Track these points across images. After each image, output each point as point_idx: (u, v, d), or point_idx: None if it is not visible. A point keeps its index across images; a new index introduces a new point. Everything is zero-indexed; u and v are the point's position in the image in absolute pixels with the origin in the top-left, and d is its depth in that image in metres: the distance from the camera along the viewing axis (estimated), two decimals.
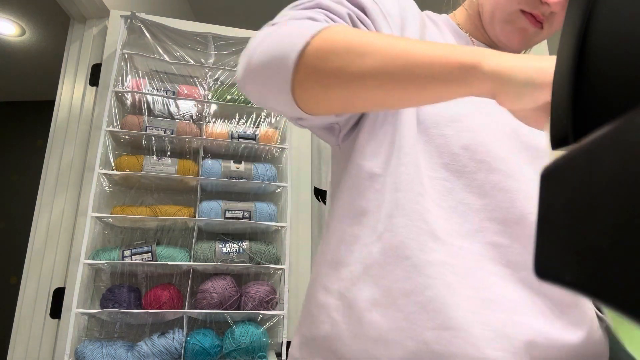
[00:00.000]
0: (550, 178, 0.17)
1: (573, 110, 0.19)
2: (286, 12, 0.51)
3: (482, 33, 0.64)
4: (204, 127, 1.55)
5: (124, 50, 1.53)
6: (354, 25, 0.51)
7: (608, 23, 0.19)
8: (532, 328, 0.46)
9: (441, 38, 0.61)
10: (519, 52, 0.62)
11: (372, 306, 0.47)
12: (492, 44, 0.64)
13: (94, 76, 1.65)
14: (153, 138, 1.48)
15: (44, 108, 3.35)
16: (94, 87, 1.65)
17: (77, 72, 1.68)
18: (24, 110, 3.56)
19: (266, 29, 0.46)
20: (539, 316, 0.47)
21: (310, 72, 0.40)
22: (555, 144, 0.21)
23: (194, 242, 1.42)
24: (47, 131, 1.63)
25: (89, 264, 1.34)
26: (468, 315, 0.45)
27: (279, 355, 1.40)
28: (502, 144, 0.51)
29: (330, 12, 0.49)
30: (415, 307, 0.45)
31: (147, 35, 1.60)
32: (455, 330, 0.44)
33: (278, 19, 0.49)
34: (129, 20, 1.58)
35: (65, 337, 1.27)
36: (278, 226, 1.50)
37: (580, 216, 0.14)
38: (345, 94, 0.41)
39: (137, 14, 1.58)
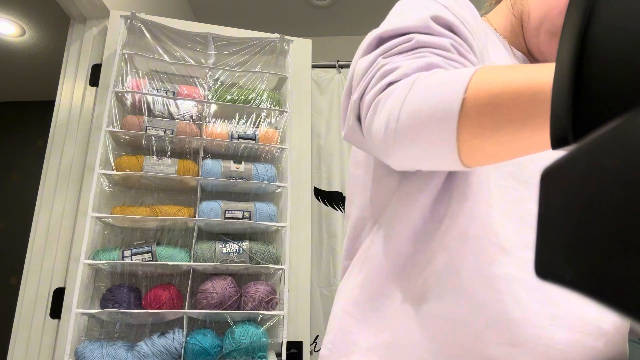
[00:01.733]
0: (550, 178, 0.17)
1: (573, 110, 0.19)
2: (390, 61, 0.44)
3: (521, 41, 0.62)
4: (204, 127, 1.55)
5: (124, 51, 1.53)
6: (460, 54, 0.46)
7: (608, 22, 0.19)
8: (596, 349, 0.45)
9: (500, 49, 0.58)
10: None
11: (433, 318, 0.47)
12: (527, 53, 0.62)
13: (94, 76, 1.66)
14: (153, 138, 1.48)
15: (44, 108, 3.35)
16: (94, 87, 1.65)
17: (77, 72, 1.68)
18: (24, 110, 3.56)
19: (396, 89, 0.40)
20: (604, 337, 0.46)
21: (475, 124, 0.35)
22: (555, 144, 0.21)
23: (194, 242, 1.42)
24: (47, 131, 1.63)
25: (89, 264, 1.34)
26: (535, 332, 0.44)
27: (278, 355, 1.40)
28: None
29: (436, 48, 0.44)
30: (482, 322, 0.45)
31: (147, 35, 1.60)
32: (522, 347, 0.43)
33: (387, 73, 0.43)
34: (129, 20, 1.59)
35: (65, 337, 1.27)
36: (278, 226, 1.50)
37: (581, 216, 0.14)
38: (514, 143, 0.35)
39: (137, 14, 1.58)
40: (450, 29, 0.47)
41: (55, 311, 1.42)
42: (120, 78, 1.52)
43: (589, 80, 0.19)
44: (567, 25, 0.20)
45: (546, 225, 0.17)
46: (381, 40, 0.47)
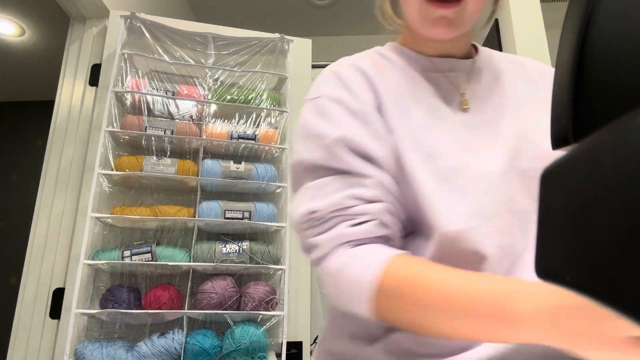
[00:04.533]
0: (550, 178, 0.17)
1: (573, 110, 0.19)
2: (309, 236, 0.54)
3: (417, 42, 0.64)
4: (204, 127, 1.55)
5: (124, 51, 1.53)
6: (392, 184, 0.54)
7: (608, 23, 0.19)
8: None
9: (400, 80, 0.61)
10: (453, 38, 0.61)
11: None
12: (443, 49, 0.64)
13: (94, 76, 1.65)
14: (153, 138, 1.48)
15: (44, 108, 3.35)
16: (94, 87, 1.65)
17: (77, 72, 1.68)
18: (24, 110, 3.56)
19: (330, 275, 0.51)
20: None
21: (383, 313, 0.48)
22: (555, 144, 0.21)
23: (193, 243, 1.41)
24: (47, 131, 1.63)
25: (89, 264, 1.34)
26: None
27: (278, 355, 1.39)
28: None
29: (340, 211, 0.52)
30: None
31: (147, 35, 1.60)
32: None
33: (320, 251, 0.53)
34: (128, 20, 1.58)
35: (65, 337, 1.27)
36: (278, 226, 1.50)
37: (581, 216, 0.14)
38: (415, 327, 0.46)
39: (137, 14, 1.58)
40: (367, 155, 0.54)
41: (55, 311, 1.42)
42: (120, 78, 1.52)
43: (589, 80, 0.19)
44: (567, 25, 0.20)
45: (546, 226, 0.17)
46: (302, 170, 0.57)
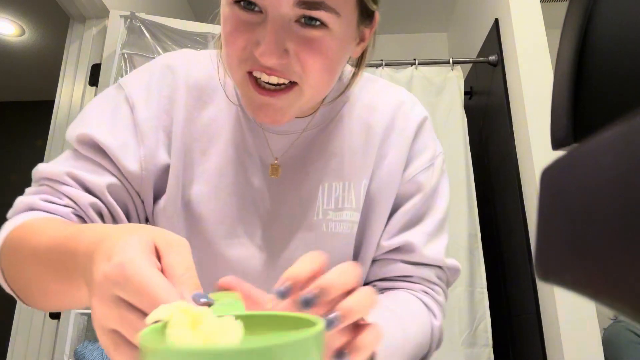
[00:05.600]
0: (550, 177, 0.17)
1: (573, 110, 0.19)
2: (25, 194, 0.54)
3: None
4: None
5: (124, 50, 1.53)
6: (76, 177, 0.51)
7: (609, 22, 0.19)
8: None
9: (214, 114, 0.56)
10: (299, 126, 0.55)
11: None
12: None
13: (94, 76, 1.66)
14: None
15: (44, 108, 3.34)
16: (94, 87, 1.65)
17: (76, 72, 1.68)
18: (24, 110, 3.56)
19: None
20: None
21: (7, 274, 0.47)
22: (556, 144, 0.21)
23: None
24: (47, 131, 1.63)
25: None
26: None
27: None
28: None
29: (49, 180, 0.51)
30: None
31: (147, 35, 1.60)
32: None
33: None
34: (128, 20, 1.58)
35: (64, 337, 1.27)
36: None
37: (581, 216, 0.14)
38: None
39: (136, 14, 1.58)
40: (95, 146, 0.51)
41: (55, 311, 1.42)
42: (119, 77, 1.52)
43: (589, 80, 0.19)
44: (567, 25, 0.20)
45: (546, 226, 0.17)
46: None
